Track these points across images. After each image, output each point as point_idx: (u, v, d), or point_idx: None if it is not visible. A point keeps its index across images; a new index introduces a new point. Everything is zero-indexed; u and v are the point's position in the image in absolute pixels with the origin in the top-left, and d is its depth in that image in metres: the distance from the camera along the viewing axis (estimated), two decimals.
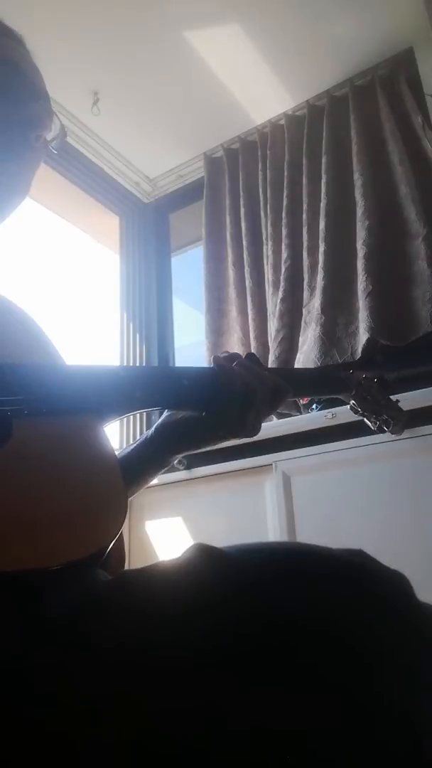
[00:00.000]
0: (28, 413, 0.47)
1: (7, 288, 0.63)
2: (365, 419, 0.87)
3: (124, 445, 1.73)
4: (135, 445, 0.69)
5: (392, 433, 0.85)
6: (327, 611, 0.36)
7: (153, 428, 0.69)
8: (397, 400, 0.89)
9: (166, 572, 0.40)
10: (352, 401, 0.85)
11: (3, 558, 0.37)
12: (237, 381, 0.64)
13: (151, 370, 0.75)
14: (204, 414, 0.64)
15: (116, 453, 0.54)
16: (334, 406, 1.62)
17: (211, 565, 0.39)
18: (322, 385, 0.88)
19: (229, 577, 0.38)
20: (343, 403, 0.87)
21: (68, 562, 0.39)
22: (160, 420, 0.69)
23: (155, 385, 0.61)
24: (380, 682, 0.33)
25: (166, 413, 0.68)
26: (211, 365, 0.66)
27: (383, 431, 0.85)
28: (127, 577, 0.42)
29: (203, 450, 0.68)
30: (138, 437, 0.72)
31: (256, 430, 0.64)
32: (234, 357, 0.69)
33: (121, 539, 0.47)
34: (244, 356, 0.70)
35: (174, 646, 0.34)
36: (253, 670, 0.33)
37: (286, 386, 0.69)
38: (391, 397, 0.89)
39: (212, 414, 0.63)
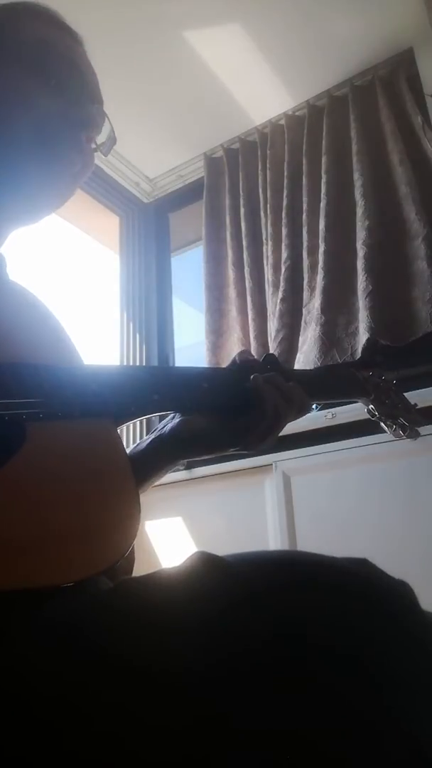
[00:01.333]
0: (44, 417, 0.45)
1: (31, 282, 0.62)
2: (381, 423, 0.84)
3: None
4: (147, 442, 0.68)
5: (408, 438, 0.82)
6: (333, 625, 0.35)
7: (168, 427, 0.67)
8: (415, 404, 0.86)
9: (168, 581, 0.39)
10: (371, 405, 0.82)
11: (15, 574, 0.36)
12: (268, 405, 0.63)
13: (171, 371, 0.73)
14: (226, 426, 0.63)
15: (127, 451, 0.53)
16: (334, 406, 1.62)
17: (213, 575, 0.38)
18: (341, 390, 0.85)
19: (232, 588, 0.37)
20: (343, 403, 0.85)
21: (80, 580, 0.39)
22: (175, 420, 0.67)
23: (174, 387, 0.59)
24: (389, 699, 0.33)
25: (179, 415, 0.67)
26: (228, 367, 0.65)
27: (400, 436, 0.83)
28: (128, 585, 0.41)
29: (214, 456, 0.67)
30: (136, 435, 0.71)
31: (271, 446, 0.65)
32: (255, 364, 0.68)
33: (131, 549, 0.46)
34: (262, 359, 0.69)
35: (173, 657, 0.33)
36: (254, 683, 0.32)
37: (309, 404, 0.68)
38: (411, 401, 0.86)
39: (235, 429, 0.63)
